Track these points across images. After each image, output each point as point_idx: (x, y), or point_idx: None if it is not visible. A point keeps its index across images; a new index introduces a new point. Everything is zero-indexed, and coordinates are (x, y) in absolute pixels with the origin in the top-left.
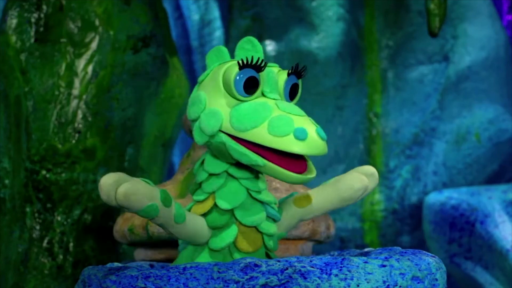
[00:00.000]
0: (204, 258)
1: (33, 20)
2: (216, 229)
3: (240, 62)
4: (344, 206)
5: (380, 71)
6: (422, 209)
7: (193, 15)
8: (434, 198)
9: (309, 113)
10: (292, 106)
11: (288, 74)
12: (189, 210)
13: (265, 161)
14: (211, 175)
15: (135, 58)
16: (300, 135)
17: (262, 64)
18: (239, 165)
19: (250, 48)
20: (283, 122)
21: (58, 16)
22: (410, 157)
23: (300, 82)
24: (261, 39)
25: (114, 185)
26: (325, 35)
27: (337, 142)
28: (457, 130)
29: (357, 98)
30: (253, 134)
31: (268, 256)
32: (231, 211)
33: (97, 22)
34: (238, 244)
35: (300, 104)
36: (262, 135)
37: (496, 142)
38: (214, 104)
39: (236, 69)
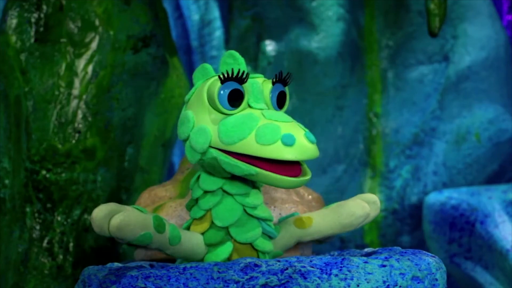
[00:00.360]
0: None
1: (33, 20)
2: (211, 246)
3: (221, 76)
4: (343, 232)
5: (380, 71)
6: (422, 209)
7: (193, 15)
8: (434, 198)
9: (309, 113)
10: (279, 114)
11: (273, 83)
12: (188, 227)
13: (257, 169)
14: (206, 192)
15: (135, 58)
16: (288, 141)
17: (244, 76)
18: (234, 181)
19: (232, 62)
20: (270, 130)
21: (58, 16)
22: (410, 157)
23: (287, 89)
24: (261, 39)
25: (106, 217)
26: (325, 35)
27: (337, 142)
28: (457, 130)
29: (357, 98)
30: (242, 146)
31: None
32: (226, 228)
33: (97, 22)
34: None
35: (300, 104)
36: (250, 146)
37: (496, 142)
38: (202, 121)
39: (219, 83)
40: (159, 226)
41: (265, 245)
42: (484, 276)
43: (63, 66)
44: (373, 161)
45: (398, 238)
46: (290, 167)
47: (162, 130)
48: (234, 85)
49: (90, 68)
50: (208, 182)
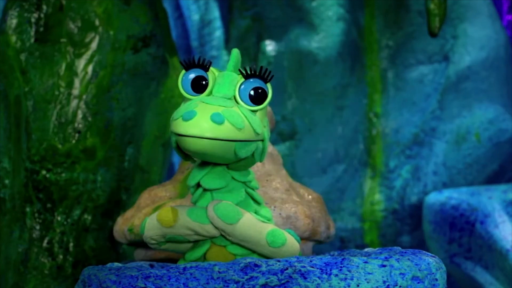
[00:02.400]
0: None
1: (33, 20)
2: (194, 242)
3: (183, 62)
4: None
5: (380, 71)
6: (422, 209)
7: (193, 15)
8: (434, 198)
9: (309, 113)
10: (218, 99)
11: (244, 77)
12: None
13: (177, 137)
14: (192, 187)
15: (135, 58)
16: (186, 116)
17: (206, 63)
18: (210, 175)
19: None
20: (183, 108)
21: (58, 16)
22: (410, 157)
23: (268, 86)
24: (261, 39)
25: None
26: (325, 35)
27: (337, 142)
28: (457, 130)
29: (357, 98)
30: (171, 124)
31: None
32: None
33: (97, 22)
34: (208, 259)
35: (300, 104)
36: (171, 122)
37: (496, 142)
38: None
39: (184, 70)
40: None
41: (240, 250)
42: (484, 276)
43: (63, 66)
44: (373, 161)
45: (398, 238)
46: None
47: (162, 130)
48: (198, 72)
49: (90, 68)
50: (191, 176)
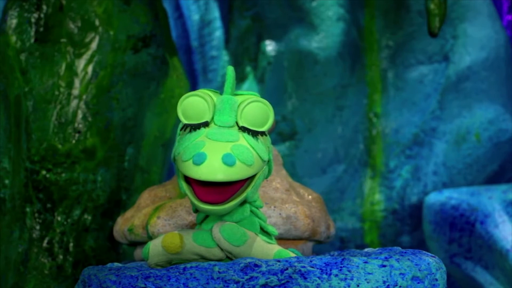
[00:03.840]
0: None
1: (33, 20)
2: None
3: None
4: None
5: (380, 71)
6: (422, 209)
7: (193, 15)
8: (434, 198)
9: (309, 113)
10: (223, 133)
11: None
12: None
13: (186, 190)
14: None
15: (135, 58)
16: (197, 160)
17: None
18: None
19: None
20: (191, 149)
21: (58, 16)
22: (410, 157)
23: (269, 107)
24: (261, 39)
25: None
26: (325, 35)
27: (337, 142)
28: (457, 130)
29: (357, 98)
30: (176, 162)
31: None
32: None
33: (97, 22)
34: None
35: (300, 104)
36: (178, 162)
37: (496, 142)
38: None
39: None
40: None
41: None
42: (484, 276)
43: (63, 66)
44: (373, 161)
45: (398, 238)
46: (220, 189)
47: (162, 130)
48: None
49: (90, 68)
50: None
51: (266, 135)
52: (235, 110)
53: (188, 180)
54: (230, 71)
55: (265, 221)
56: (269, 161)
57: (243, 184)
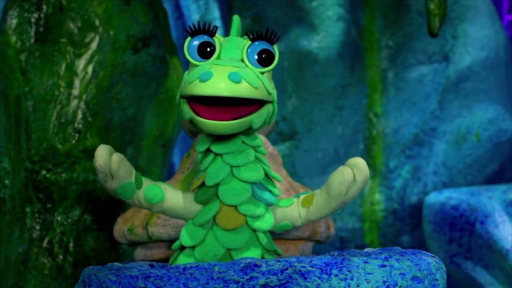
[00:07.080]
0: (186, 230)
1: (33, 20)
2: (202, 204)
3: (189, 29)
4: (339, 205)
5: (380, 71)
6: (422, 209)
7: (193, 15)
8: (434, 198)
9: (309, 113)
10: (229, 61)
11: (251, 40)
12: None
13: (192, 113)
14: (201, 153)
15: (135, 58)
16: (203, 77)
17: (212, 28)
18: (221, 140)
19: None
20: (198, 70)
21: (58, 16)
22: (410, 157)
23: (275, 47)
24: None
25: (109, 152)
26: (325, 35)
27: (337, 142)
28: (457, 130)
29: (357, 98)
30: (182, 88)
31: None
32: (215, 188)
33: (97, 22)
34: (218, 221)
35: (300, 104)
36: (184, 86)
37: (496, 142)
38: None
39: (189, 37)
40: (138, 181)
41: (252, 209)
42: (484, 276)
43: (63, 66)
44: (373, 161)
45: (398, 238)
46: (225, 109)
47: (162, 130)
48: (203, 38)
49: (90, 68)
50: (200, 142)
51: (271, 78)
52: (241, 49)
53: (193, 108)
54: (237, 19)
55: (270, 168)
56: (273, 102)
57: (248, 112)
